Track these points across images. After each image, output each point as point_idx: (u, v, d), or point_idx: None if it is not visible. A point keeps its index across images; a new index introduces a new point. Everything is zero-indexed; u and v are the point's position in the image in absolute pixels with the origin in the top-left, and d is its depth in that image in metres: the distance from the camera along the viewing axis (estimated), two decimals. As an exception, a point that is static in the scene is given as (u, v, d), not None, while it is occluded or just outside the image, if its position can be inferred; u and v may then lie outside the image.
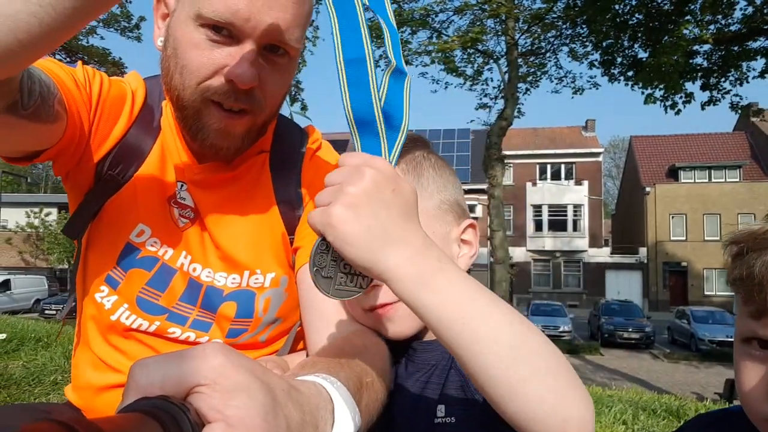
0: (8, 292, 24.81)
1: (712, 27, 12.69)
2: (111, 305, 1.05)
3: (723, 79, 13.25)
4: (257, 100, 0.93)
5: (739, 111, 13.81)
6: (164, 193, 1.05)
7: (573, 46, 15.25)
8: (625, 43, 13.98)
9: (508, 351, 0.59)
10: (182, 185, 1.05)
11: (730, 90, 13.37)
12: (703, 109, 13.48)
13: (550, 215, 36.83)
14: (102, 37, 17.36)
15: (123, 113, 1.02)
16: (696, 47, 12.44)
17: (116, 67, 17.77)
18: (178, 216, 1.05)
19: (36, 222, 33.94)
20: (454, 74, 15.71)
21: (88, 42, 17.48)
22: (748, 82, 13.33)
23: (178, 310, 1.06)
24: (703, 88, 13.37)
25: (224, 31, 0.87)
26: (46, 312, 22.25)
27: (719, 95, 13.37)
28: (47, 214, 33.71)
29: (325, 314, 0.96)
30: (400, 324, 0.90)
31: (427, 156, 0.97)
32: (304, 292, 1.01)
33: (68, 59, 17.59)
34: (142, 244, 1.04)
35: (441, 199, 0.93)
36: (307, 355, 0.97)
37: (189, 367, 0.44)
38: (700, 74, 13.20)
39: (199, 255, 1.06)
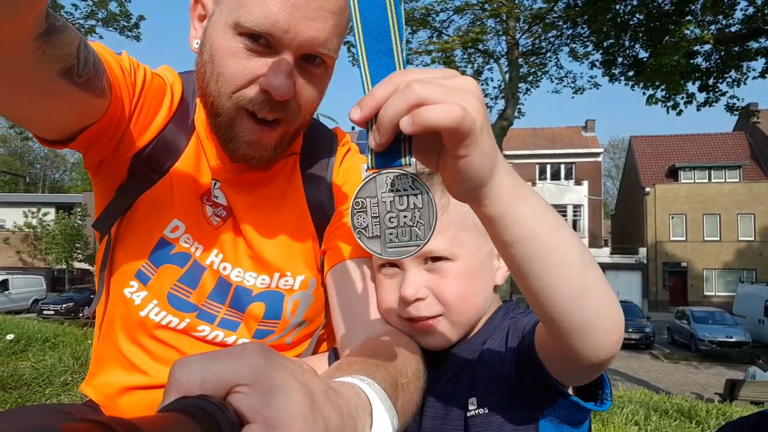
0: (6, 292, 24.79)
1: (713, 27, 12.69)
2: (141, 301, 1.04)
3: (720, 81, 13.29)
4: (291, 110, 0.93)
5: (735, 113, 13.85)
6: (198, 190, 1.05)
7: (574, 46, 15.26)
8: (626, 43, 13.99)
9: (580, 259, 0.63)
10: (216, 183, 1.05)
11: (726, 92, 13.41)
12: (698, 110, 13.52)
13: (549, 215, 36.79)
14: (101, 36, 17.31)
15: (163, 107, 1.02)
16: (697, 47, 12.43)
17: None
18: (211, 214, 1.06)
19: (34, 222, 33.90)
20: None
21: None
22: (745, 83, 13.37)
23: (208, 308, 1.05)
24: (701, 89, 13.39)
25: (262, 41, 0.87)
26: (44, 312, 22.22)
27: (715, 96, 13.40)
28: (45, 214, 33.65)
29: (356, 315, 0.96)
30: (440, 338, 0.90)
31: None
32: (333, 293, 1.01)
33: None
34: (176, 239, 1.04)
35: None
36: (336, 358, 0.97)
37: (229, 367, 0.43)
38: (698, 75, 13.22)
39: (230, 254, 1.06)
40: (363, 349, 0.80)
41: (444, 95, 0.52)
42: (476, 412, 0.84)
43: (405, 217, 0.61)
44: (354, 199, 0.62)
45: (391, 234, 0.61)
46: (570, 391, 0.79)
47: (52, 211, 34.49)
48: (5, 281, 25.12)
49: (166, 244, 1.03)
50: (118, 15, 17.12)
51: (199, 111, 1.06)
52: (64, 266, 32.96)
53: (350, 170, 1.13)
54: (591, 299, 0.63)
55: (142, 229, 1.03)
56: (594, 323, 0.64)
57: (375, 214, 0.61)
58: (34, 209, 34.20)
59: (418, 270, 0.88)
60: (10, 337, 4.53)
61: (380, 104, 0.55)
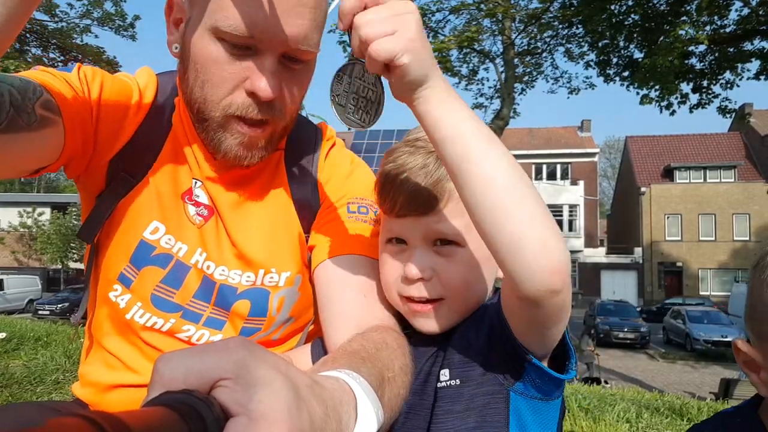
0: (1, 292, 24.67)
1: (708, 28, 12.73)
2: (125, 304, 1.04)
3: (714, 83, 13.34)
4: (278, 109, 0.94)
5: (728, 116, 13.92)
6: (178, 190, 1.04)
7: (569, 46, 15.30)
8: (621, 44, 14.01)
9: (508, 173, 0.70)
10: (197, 182, 1.05)
11: (719, 94, 13.46)
12: (691, 111, 13.58)
13: (545, 215, 36.82)
14: (96, 36, 17.34)
15: (130, 111, 1.01)
16: (691, 48, 12.47)
17: (110, 66, 17.68)
18: (193, 213, 1.04)
19: (29, 222, 33.77)
20: (449, 74, 15.71)
21: (82, 40, 17.40)
22: (738, 86, 13.42)
23: (193, 308, 1.05)
24: (694, 90, 13.45)
25: (242, 43, 0.86)
26: (40, 312, 22.14)
27: (708, 98, 13.46)
28: (40, 214, 33.54)
29: (345, 311, 0.95)
30: (436, 323, 0.90)
31: None
32: (321, 289, 1.01)
33: (62, 57, 17.49)
34: (156, 241, 1.03)
35: None
36: (326, 353, 0.96)
37: (211, 361, 0.44)
38: (692, 76, 13.27)
39: (214, 253, 1.05)
40: (350, 344, 0.80)
41: (384, 27, 0.69)
42: (448, 383, 0.85)
43: (363, 101, 0.80)
44: (337, 71, 0.79)
45: (351, 108, 0.80)
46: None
47: (47, 210, 34.35)
48: (0, 281, 25.01)
49: (146, 247, 1.02)
50: (113, 14, 17.10)
51: (178, 111, 1.05)
52: (60, 266, 32.85)
53: (336, 166, 1.13)
54: (517, 215, 0.68)
55: (123, 232, 1.02)
56: (521, 241, 0.68)
57: (347, 90, 0.79)
58: (29, 209, 34.06)
59: (426, 250, 0.88)
60: (2, 335, 4.49)
61: (349, 25, 0.72)
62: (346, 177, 1.12)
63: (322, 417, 0.49)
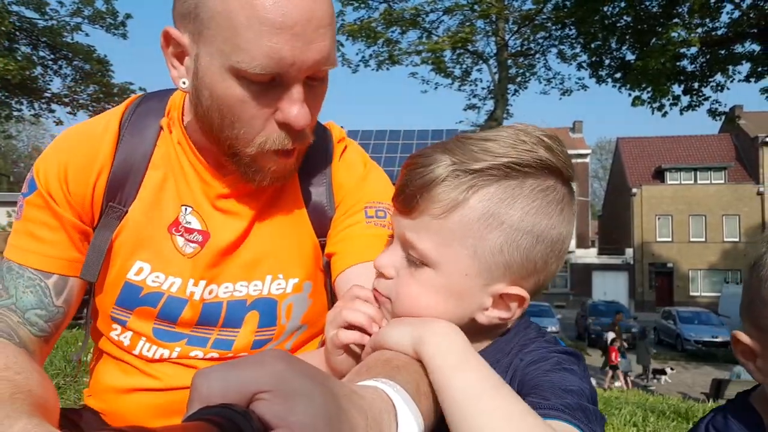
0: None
1: (699, 30, 12.83)
2: (129, 341, 1.03)
3: (704, 85, 13.46)
4: (306, 132, 0.93)
5: (718, 118, 14.06)
6: (164, 222, 1.01)
7: (562, 47, 15.39)
8: (613, 45, 14.10)
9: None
10: (187, 209, 1.01)
11: (709, 97, 13.59)
12: (681, 113, 13.70)
13: (537, 216, 36.99)
14: (87, 34, 17.17)
15: (90, 177, 0.98)
16: (683, 50, 12.56)
17: (101, 65, 17.56)
18: (183, 244, 1.01)
19: (19, 221, 33.46)
20: (442, 75, 15.73)
21: (72, 39, 17.24)
22: (728, 89, 13.55)
23: (198, 333, 1.03)
24: (685, 92, 13.56)
25: (269, 80, 0.85)
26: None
27: (698, 101, 13.57)
28: (30, 214, 33.19)
29: None
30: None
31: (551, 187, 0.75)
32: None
33: (52, 55, 17.34)
34: (142, 281, 1.00)
35: (522, 244, 0.72)
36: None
37: (250, 375, 0.43)
38: (683, 78, 13.38)
39: (213, 276, 1.02)
40: (382, 353, 0.75)
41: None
42: None
43: None
44: None
45: None
46: None
47: (36, 210, 34.01)
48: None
49: (132, 288, 1.00)
50: (104, 12, 16.95)
51: (170, 138, 1.01)
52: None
53: (350, 169, 1.10)
54: None
55: (109, 275, 1.01)
56: None
57: None
58: (19, 209, 33.76)
59: (400, 251, 0.78)
60: None
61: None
62: (361, 180, 1.09)
63: (363, 427, 0.49)
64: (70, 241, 0.97)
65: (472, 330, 0.75)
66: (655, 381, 15.68)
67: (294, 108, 0.86)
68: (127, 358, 1.04)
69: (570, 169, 0.75)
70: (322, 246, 1.06)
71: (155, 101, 1.05)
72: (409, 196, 0.74)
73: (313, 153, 1.08)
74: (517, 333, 0.78)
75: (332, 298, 1.04)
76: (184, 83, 0.93)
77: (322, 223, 1.06)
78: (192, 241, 1.01)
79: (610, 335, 15.98)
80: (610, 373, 15.00)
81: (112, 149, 0.99)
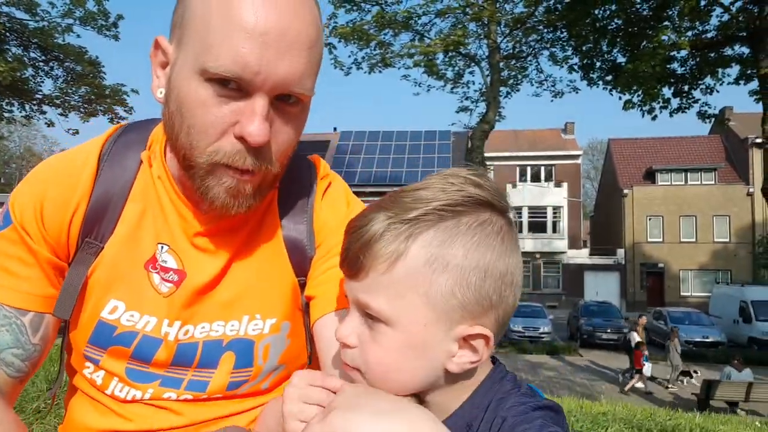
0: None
1: (689, 33, 12.94)
2: (102, 381, 0.99)
3: (694, 88, 13.58)
4: (267, 157, 0.87)
5: (707, 121, 14.19)
6: (141, 259, 0.97)
7: (553, 50, 15.45)
8: (604, 48, 14.19)
9: None
10: (163, 247, 0.98)
11: (699, 99, 13.70)
12: (671, 116, 13.80)
13: (530, 217, 37.12)
14: (78, 35, 17.08)
15: (66, 212, 0.95)
16: (673, 53, 12.67)
17: (93, 66, 17.47)
18: (159, 282, 0.97)
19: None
20: (435, 77, 15.77)
21: (64, 40, 17.14)
22: (718, 91, 13.68)
23: (172, 374, 0.99)
24: (675, 95, 13.66)
25: (232, 85, 0.80)
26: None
27: (688, 103, 13.68)
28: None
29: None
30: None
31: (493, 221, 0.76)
32: (323, 347, 0.94)
33: (43, 57, 17.24)
34: (116, 321, 0.97)
35: (472, 281, 0.72)
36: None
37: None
38: (673, 80, 13.49)
39: (189, 316, 0.99)
40: None
41: None
42: None
43: None
44: None
45: None
46: None
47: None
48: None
49: (106, 327, 0.97)
50: (96, 14, 16.84)
51: (148, 168, 0.99)
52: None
53: (333, 205, 1.06)
54: None
55: (83, 312, 0.98)
56: None
57: None
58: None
59: (359, 316, 0.77)
60: None
61: None
62: (344, 219, 1.01)
63: None
64: (46, 277, 0.94)
65: (448, 381, 0.76)
66: (678, 383, 15.59)
67: (253, 121, 0.81)
68: (99, 398, 1.00)
69: (502, 200, 0.75)
70: (302, 285, 1.02)
71: (136, 133, 1.02)
72: (353, 259, 0.74)
73: (295, 188, 1.05)
74: (492, 385, 0.78)
75: (311, 338, 1.01)
76: (160, 93, 0.90)
77: (301, 263, 1.02)
78: (168, 281, 0.97)
79: (634, 336, 15.79)
80: (636, 377, 14.85)
81: (90, 183, 0.95)
